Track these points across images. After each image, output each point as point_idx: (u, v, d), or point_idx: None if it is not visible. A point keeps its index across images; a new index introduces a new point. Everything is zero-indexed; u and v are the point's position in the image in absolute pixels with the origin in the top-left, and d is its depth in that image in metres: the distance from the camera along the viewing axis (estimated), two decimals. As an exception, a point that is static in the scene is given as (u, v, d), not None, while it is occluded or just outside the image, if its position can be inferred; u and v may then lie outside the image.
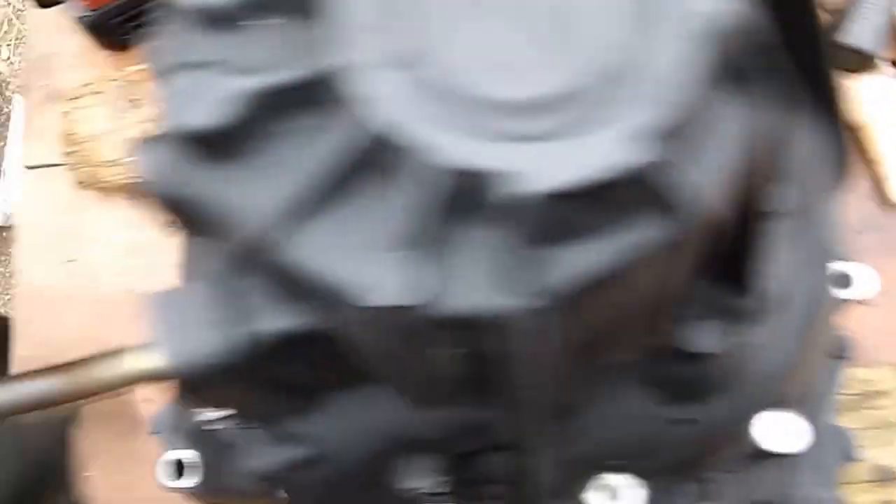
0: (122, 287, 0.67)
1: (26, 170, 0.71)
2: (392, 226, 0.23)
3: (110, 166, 0.66)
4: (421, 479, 0.39)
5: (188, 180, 0.25)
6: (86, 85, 0.68)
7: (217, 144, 0.24)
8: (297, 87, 0.24)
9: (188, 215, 0.26)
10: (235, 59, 0.24)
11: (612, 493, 0.42)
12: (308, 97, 0.24)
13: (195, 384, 0.29)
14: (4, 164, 1.36)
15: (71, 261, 0.68)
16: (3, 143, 1.37)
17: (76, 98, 0.67)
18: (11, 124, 1.40)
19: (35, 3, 0.73)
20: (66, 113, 0.67)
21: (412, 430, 0.37)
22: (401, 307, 0.23)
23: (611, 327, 0.29)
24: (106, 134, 0.67)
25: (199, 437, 0.51)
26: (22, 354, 0.65)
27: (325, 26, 0.24)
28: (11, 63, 1.42)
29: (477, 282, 0.24)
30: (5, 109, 1.40)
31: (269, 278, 0.27)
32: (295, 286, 0.26)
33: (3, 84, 1.42)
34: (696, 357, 0.37)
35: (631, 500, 0.42)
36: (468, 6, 0.23)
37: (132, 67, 0.68)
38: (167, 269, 0.66)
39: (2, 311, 1.37)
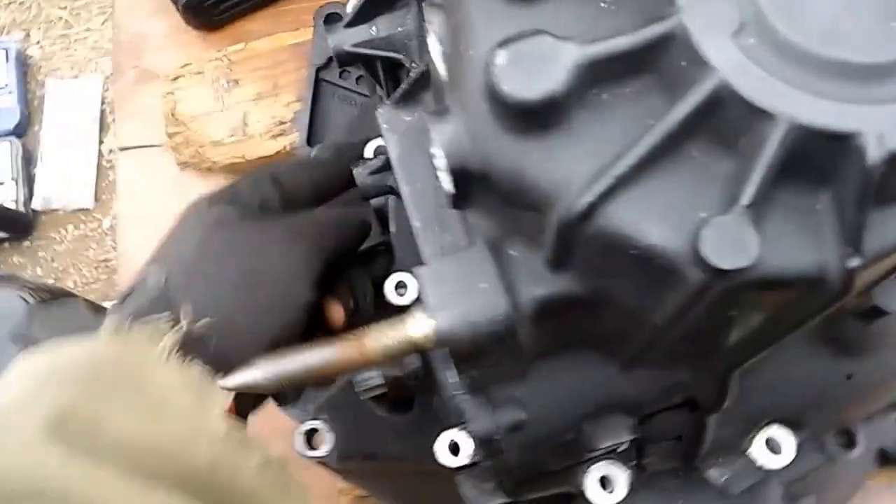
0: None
1: (121, 152, 0.69)
2: (724, 188, 0.24)
3: (214, 146, 0.65)
4: (614, 439, 0.39)
5: (501, 152, 0.25)
6: (184, 66, 0.66)
7: (541, 115, 0.24)
8: (630, 55, 0.23)
9: (491, 187, 0.26)
10: (557, 30, 0.24)
11: (772, 446, 0.43)
12: (637, 64, 0.24)
13: (467, 350, 0.29)
14: (41, 148, 1.33)
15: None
16: (37, 128, 1.34)
17: (176, 79, 0.66)
18: (45, 108, 1.37)
19: (123, -16, 0.71)
20: (166, 94, 0.66)
21: (615, 392, 0.37)
22: (737, 271, 0.23)
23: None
24: (208, 114, 0.65)
25: (336, 407, 0.51)
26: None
27: (652, -5, 0.24)
28: (42, 47, 1.38)
29: (800, 242, 0.24)
30: (38, 93, 1.36)
31: (561, 245, 0.27)
32: (598, 251, 0.26)
33: (35, 68, 1.38)
34: (874, 314, 0.38)
35: (788, 452, 0.43)
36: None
37: (232, 47, 0.66)
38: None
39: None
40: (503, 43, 0.24)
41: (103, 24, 1.40)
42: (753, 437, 0.42)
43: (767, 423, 0.42)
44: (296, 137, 0.64)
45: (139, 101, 0.69)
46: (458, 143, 0.26)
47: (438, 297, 0.29)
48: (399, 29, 0.41)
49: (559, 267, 0.28)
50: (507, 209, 0.27)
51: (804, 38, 0.23)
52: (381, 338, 0.29)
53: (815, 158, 0.23)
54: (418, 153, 0.37)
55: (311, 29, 0.66)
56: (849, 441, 0.48)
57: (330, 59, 0.64)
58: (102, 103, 1.34)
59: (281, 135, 0.65)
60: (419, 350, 0.29)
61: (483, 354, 0.30)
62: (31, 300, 0.68)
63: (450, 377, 0.41)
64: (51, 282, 1.27)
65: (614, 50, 0.23)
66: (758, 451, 0.42)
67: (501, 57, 0.23)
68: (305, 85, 0.64)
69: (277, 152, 0.65)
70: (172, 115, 0.65)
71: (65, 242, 1.30)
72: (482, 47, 0.25)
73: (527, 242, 0.29)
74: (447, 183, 0.27)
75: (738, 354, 0.33)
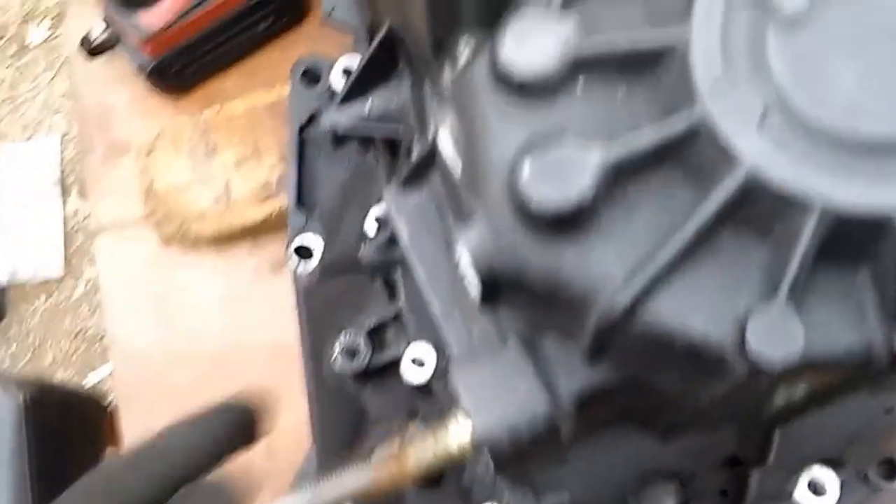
0: (223, 340, 0.66)
1: (101, 230, 0.69)
2: (762, 275, 0.25)
3: (198, 219, 0.65)
4: (660, 506, 0.40)
5: (531, 256, 0.26)
6: (157, 136, 0.67)
7: (571, 220, 0.25)
8: (655, 149, 0.24)
9: (521, 288, 0.27)
10: (575, 126, 0.25)
11: (816, 488, 0.44)
12: (662, 158, 0.25)
13: (507, 453, 0.30)
14: (1, 220, 1.32)
15: (166, 320, 0.67)
16: (-4, 201, 1.34)
17: (150, 152, 0.66)
18: (1, 177, 1.37)
19: (82, 54, 0.71)
20: (142, 168, 0.66)
21: (656, 461, 0.38)
22: (789, 362, 0.24)
23: None
24: (188, 185, 0.66)
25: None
26: (131, 424, 0.64)
27: (671, 83, 0.25)
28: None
29: (844, 323, 0.25)
30: (-9, 162, 1.36)
31: (600, 340, 0.27)
32: (639, 346, 0.27)
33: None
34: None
35: (833, 492, 0.43)
36: (807, 50, 0.24)
37: (206, 111, 0.67)
38: (266, 319, 0.66)
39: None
40: (525, 148, 0.25)
41: (52, 80, 1.40)
42: (797, 480, 0.43)
43: (809, 465, 0.43)
44: (283, 200, 0.65)
45: (113, 175, 0.69)
46: (484, 249, 0.27)
47: (476, 403, 0.29)
48: (394, 101, 0.42)
49: (596, 359, 0.29)
50: (539, 307, 0.28)
51: (829, 116, 0.24)
52: (423, 455, 0.30)
53: (852, 238, 0.24)
54: (428, 233, 0.38)
55: (287, 84, 0.67)
56: (891, 471, 0.49)
57: (311, 117, 0.65)
58: (61, 164, 1.34)
59: (268, 198, 0.66)
60: (467, 455, 0.30)
61: (524, 456, 0.30)
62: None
63: (482, 457, 0.42)
64: (26, 362, 1.27)
65: (639, 148, 0.24)
66: (801, 494, 0.43)
67: (526, 168, 0.24)
68: (288, 145, 0.65)
69: (265, 218, 0.65)
70: (150, 190, 0.65)
71: (37, 316, 1.30)
72: (502, 151, 0.26)
73: (561, 335, 0.30)
74: (475, 288, 0.28)
75: (782, 418, 0.34)
